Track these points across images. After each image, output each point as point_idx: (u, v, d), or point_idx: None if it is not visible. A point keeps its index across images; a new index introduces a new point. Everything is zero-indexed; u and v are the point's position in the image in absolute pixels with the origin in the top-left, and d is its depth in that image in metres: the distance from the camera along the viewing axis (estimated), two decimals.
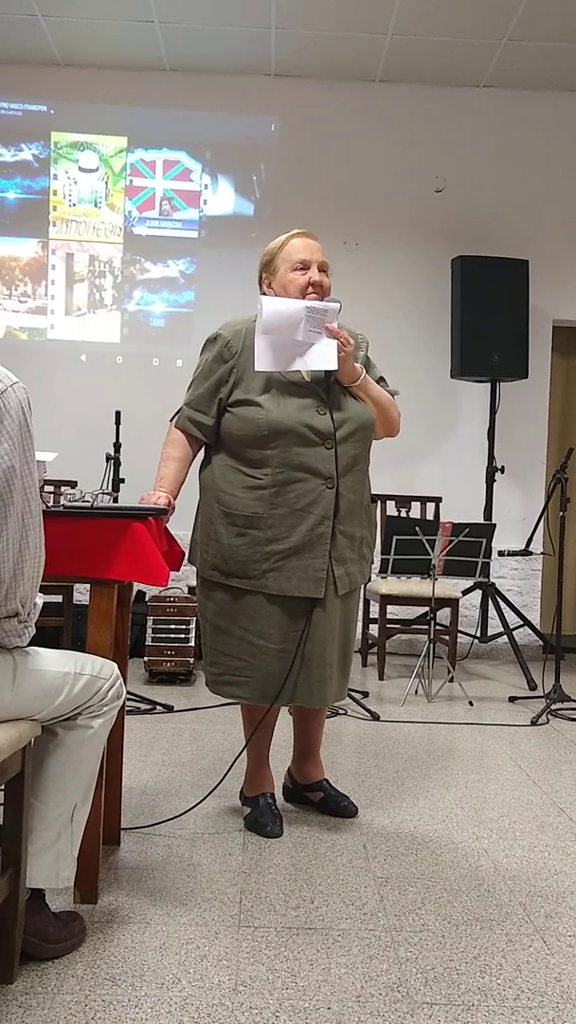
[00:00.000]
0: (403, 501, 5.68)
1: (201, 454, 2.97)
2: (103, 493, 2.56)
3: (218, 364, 2.85)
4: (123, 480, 4.70)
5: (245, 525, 2.78)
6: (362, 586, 3.00)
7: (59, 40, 5.84)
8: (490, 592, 5.72)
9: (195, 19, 5.55)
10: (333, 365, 2.75)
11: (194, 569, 2.98)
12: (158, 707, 4.38)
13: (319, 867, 2.64)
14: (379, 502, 5.55)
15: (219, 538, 2.82)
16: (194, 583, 5.25)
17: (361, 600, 5.41)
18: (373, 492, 3.10)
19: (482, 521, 5.78)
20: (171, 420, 2.94)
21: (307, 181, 6.22)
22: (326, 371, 2.79)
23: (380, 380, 2.99)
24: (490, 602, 5.84)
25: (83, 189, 6.23)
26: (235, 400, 2.82)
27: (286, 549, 2.75)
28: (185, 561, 2.85)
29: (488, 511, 5.96)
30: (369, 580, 3.04)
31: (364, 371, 2.87)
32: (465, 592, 5.70)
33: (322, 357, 2.75)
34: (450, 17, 5.43)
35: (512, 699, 4.90)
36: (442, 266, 6.13)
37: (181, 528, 3.02)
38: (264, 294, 2.93)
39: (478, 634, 5.97)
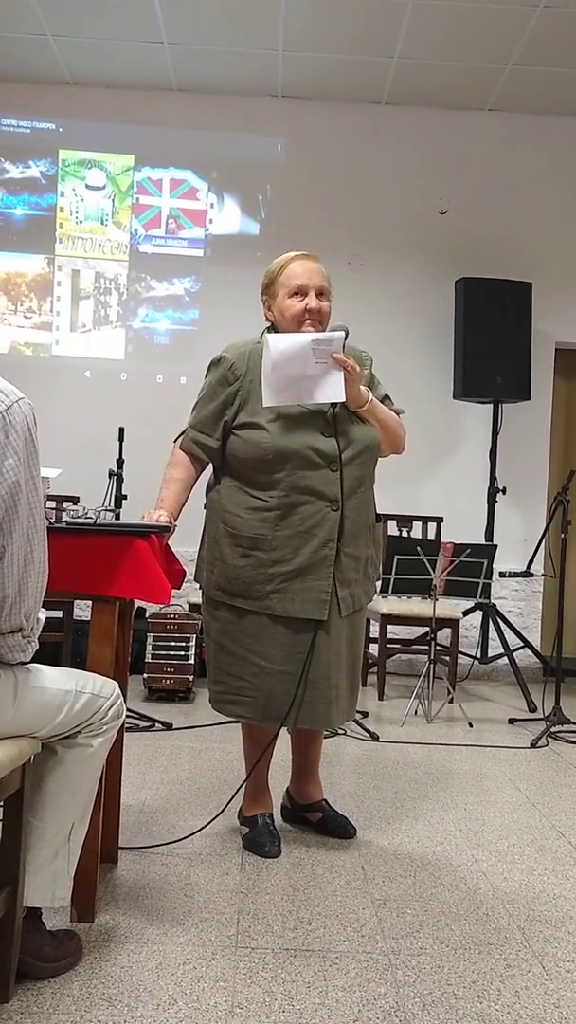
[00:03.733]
0: (405, 521, 5.69)
1: (209, 475, 2.97)
2: (105, 510, 2.56)
3: (223, 386, 2.85)
4: (125, 496, 4.70)
5: (250, 546, 2.78)
6: (367, 605, 2.99)
7: (68, 59, 5.89)
8: (491, 613, 5.71)
9: (203, 40, 5.60)
10: (341, 397, 2.73)
11: (195, 586, 2.98)
12: (157, 724, 4.37)
13: (317, 888, 2.63)
14: (381, 521, 5.55)
15: (224, 558, 2.82)
16: (195, 600, 5.27)
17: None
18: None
19: (483, 542, 5.78)
20: (175, 441, 2.94)
21: (312, 202, 6.26)
22: (341, 401, 2.77)
23: (385, 398, 2.99)
24: (491, 623, 5.83)
25: (90, 206, 6.27)
26: (241, 423, 2.82)
27: (290, 571, 2.75)
28: (189, 578, 2.85)
29: (489, 532, 5.96)
30: (371, 598, 3.03)
31: (370, 394, 2.86)
32: (466, 613, 5.70)
33: (330, 389, 2.72)
34: (456, 41, 5.47)
35: (512, 721, 4.89)
36: (446, 287, 6.15)
37: (182, 545, 3.02)
38: (266, 316, 2.94)
39: (478, 655, 5.96)
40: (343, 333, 2.75)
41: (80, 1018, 1.90)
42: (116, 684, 2.13)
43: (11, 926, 1.94)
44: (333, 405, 2.80)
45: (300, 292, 2.82)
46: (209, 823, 2.97)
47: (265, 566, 2.76)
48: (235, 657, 2.83)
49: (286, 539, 2.75)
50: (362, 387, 2.84)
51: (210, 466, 2.96)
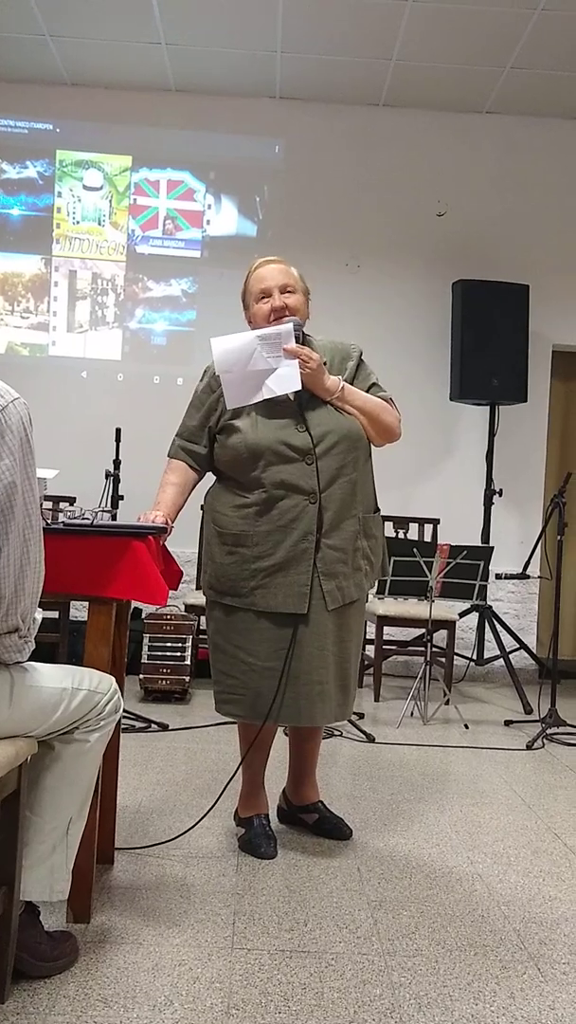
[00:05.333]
0: (401, 522, 5.69)
1: (209, 483, 3.00)
2: (102, 510, 2.56)
3: (207, 394, 2.92)
4: (122, 497, 4.70)
5: (234, 543, 2.81)
6: (364, 598, 2.95)
7: (66, 59, 5.89)
8: (487, 615, 5.72)
9: (201, 41, 5.60)
10: (296, 386, 2.77)
11: (192, 587, 2.98)
12: (153, 725, 4.36)
13: (313, 889, 2.63)
14: (379, 512, 5.55)
15: (213, 557, 2.86)
16: (191, 602, 5.27)
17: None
18: None
19: (480, 544, 5.79)
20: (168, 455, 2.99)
21: (310, 203, 6.26)
22: (297, 390, 2.79)
23: (373, 386, 2.98)
24: (487, 625, 5.84)
25: (87, 207, 6.27)
26: (221, 427, 2.88)
27: (271, 566, 2.77)
28: (186, 579, 2.85)
29: (486, 534, 5.96)
30: (367, 593, 3.01)
31: (341, 382, 2.87)
32: (462, 614, 5.70)
33: (285, 380, 2.77)
34: (454, 44, 5.48)
35: (508, 723, 4.89)
36: (443, 289, 6.16)
37: (179, 546, 3.02)
38: (249, 327, 2.97)
39: (474, 657, 5.96)
40: (291, 324, 2.81)
41: (76, 1019, 1.90)
42: (113, 679, 2.13)
43: (7, 926, 1.94)
44: (302, 396, 2.81)
45: (265, 294, 2.90)
46: (200, 819, 2.97)
47: (248, 562, 2.78)
48: (228, 656, 2.84)
49: (266, 534, 2.77)
50: (332, 377, 2.86)
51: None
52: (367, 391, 2.94)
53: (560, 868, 2.89)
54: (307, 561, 2.77)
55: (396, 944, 2.32)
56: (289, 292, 2.90)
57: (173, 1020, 1.91)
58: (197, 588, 3.02)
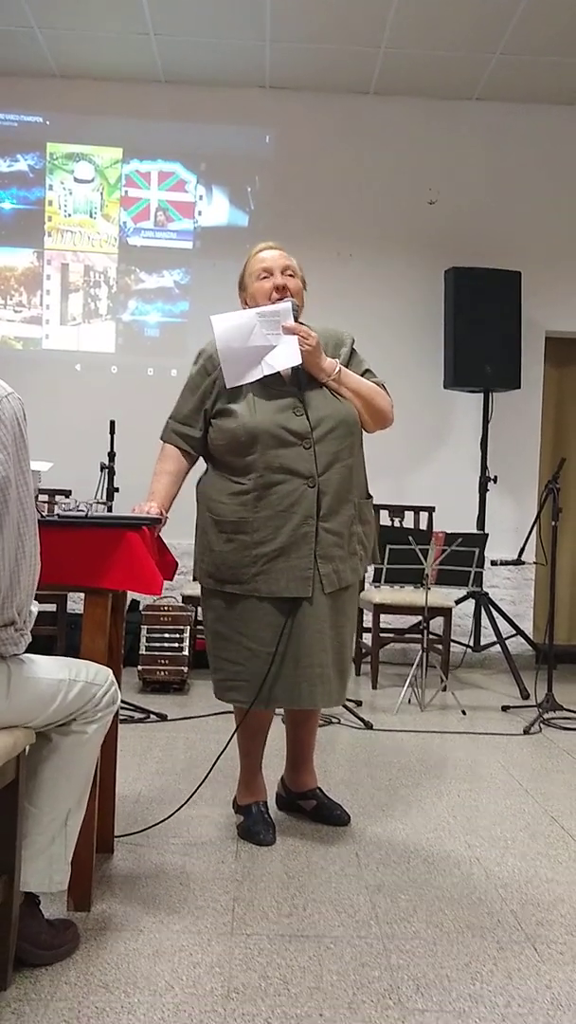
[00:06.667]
0: (396, 510, 5.71)
1: (200, 469, 3.00)
2: (97, 503, 2.57)
3: (202, 377, 2.92)
4: (117, 489, 4.71)
5: (233, 531, 2.81)
6: (358, 584, 2.98)
7: (55, 51, 5.87)
8: (483, 601, 5.74)
9: (190, 31, 5.59)
10: (297, 360, 2.80)
11: (189, 578, 3.00)
12: (152, 716, 4.38)
13: (312, 875, 2.65)
14: (372, 499, 5.56)
15: (211, 545, 2.86)
16: (188, 592, 5.29)
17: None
18: None
19: (475, 531, 5.80)
20: (161, 439, 2.99)
21: (301, 192, 6.26)
22: (298, 370, 2.81)
23: (366, 372, 3.01)
24: (483, 611, 5.86)
25: (78, 200, 6.26)
26: (217, 411, 2.89)
27: (272, 551, 2.78)
28: (182, 569, 2.87)
29: (481, 521, 5.98)
30: (362, 577, 3.03)
31: (338, 365, 2.90)
32: (458, 601, 5.72)
33: (284, 356, 2.80)
34: (443, 31, 5.47)
35: (505, 708, 4.92)
36: (435, 277, 6.16)
37: (174, 537, 3.04)
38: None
39: (471, 643, 5.99)
40: (290, 303, 2.84)
41: (78, 1004, 1.92)
42: (110, 671, 2.15)
43: (8, 914, 1.96)
44: (301, 380, 2.83)
45: (267, 272, 2.92)
46: (189, 798, 2.98)
47: (249, 548, 2.79)
48: (231, 643, 2.85)
49: (266, 520, 2.78)
50: (329, 359, 2.88)
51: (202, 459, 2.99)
52: (361, 376, 2.96)
53: (557, 850, 2.92)
54: (308, 545, 2.79)
55: (394, 927, 2.34)
56: (290, 275, 2.93)
57: (174, 1004, 1.94)
58: (194, 579, 3.02)
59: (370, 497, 3.02)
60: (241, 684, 2.84)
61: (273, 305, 2.85)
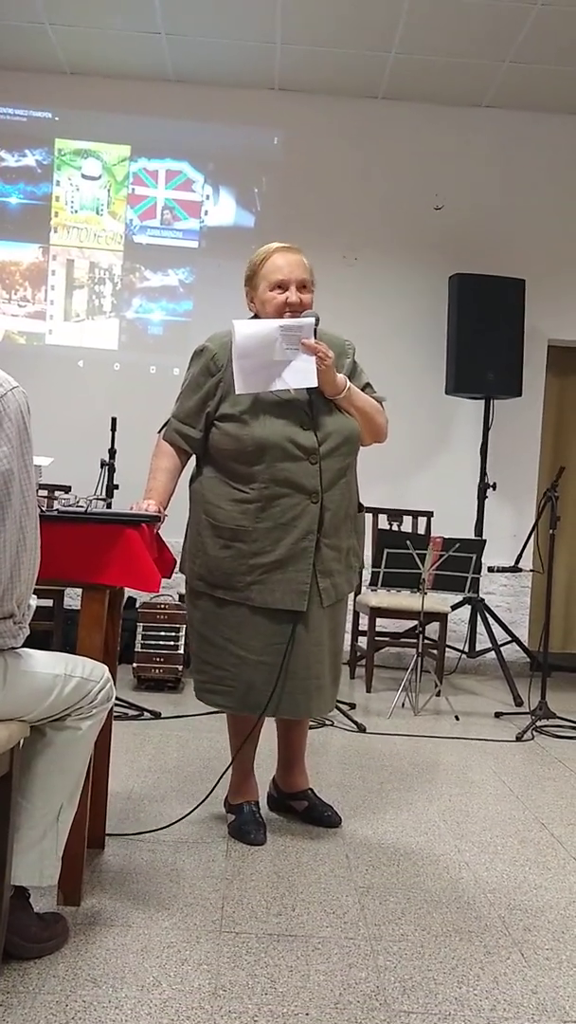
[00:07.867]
0: (395, 515, 5.71)
1: (192, 465, 2.99)
2: (97, 499, 2.58)
3: (205, 377, 2.88)
4: (117, 486, 4.72)
5: (231, 538, 2.80)
6: (349, 595, 3.02)
7: (65, 48, 5.88)
8: (479, 608, 5.75)
9: (201, 32, 5.60)
10: (313, 382, 2.76)
11: (184, 577, 3.00)
12: (146, 713, 4.39)
13: (301, 875, 2.66)
14: (371, 515, 5.57)
15: (206, 549, 2.85)
16: (185, 591, 5.28)
17: (351, 612, 5.43)
18: (365, 505, 3.13)
19: (473, 537, 5.81)
20: (159, 432, 2.97)
21: (308, 195, 6.27)
22: (312, 387, 2.79)
23: (366, 386, 3.00)
24: (479, 617, 5.87)
25: (85, 196, 6.27)
26: (222, 415, 2.85)
27: (270, 562, 2.78)
28: (176, 569, 2.87)
29: (479, 527, 5.99)
30: (355, 587, 3.06)
31: (348, 382, 2.88)
32: (454, 607, 5.72)
33: (301, 374, 2.75)
34: (454, 37, 5.49)
35: (498, 715, 4.92)
36: (439, 283, 6.17)
37: (171, 535, 3.04)
38: (249, 307, 2.96)
39: (466, 649, 5.99)
40: (313, 319, 2.78)
41: (65, 998, 1.93)
42: (106, 668, 2.15)
43: None
44: (310, 394, 2.82)
45: (281, 286, 2.84)
46: (193, 810, 3.00)
47: (246, 557, 2.79)
48: (216, 647, 2.85)
49: (267, 531, 2.78)
50: (339, 375, 2.86)
51: (193, 456, 2.98)
52: (362, 391, 2.96)
53: (546, 857, 2.93)
54: (307, 560, 2.79)
55: (382, 929, 2.35)
56: (304, 290, 2.86)
57: (161, 1000, 1.94)
58: (180, 572, 3.01)
59: (362, 508, 3.03)
60: (225, 689, 2.85)
61: (296, 320, 2.77)
